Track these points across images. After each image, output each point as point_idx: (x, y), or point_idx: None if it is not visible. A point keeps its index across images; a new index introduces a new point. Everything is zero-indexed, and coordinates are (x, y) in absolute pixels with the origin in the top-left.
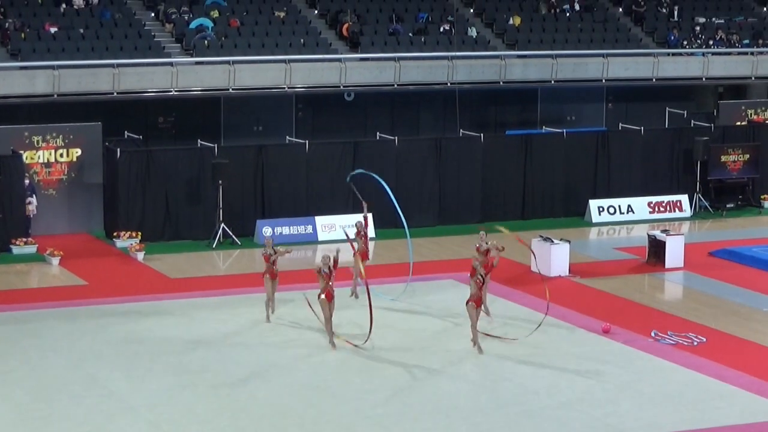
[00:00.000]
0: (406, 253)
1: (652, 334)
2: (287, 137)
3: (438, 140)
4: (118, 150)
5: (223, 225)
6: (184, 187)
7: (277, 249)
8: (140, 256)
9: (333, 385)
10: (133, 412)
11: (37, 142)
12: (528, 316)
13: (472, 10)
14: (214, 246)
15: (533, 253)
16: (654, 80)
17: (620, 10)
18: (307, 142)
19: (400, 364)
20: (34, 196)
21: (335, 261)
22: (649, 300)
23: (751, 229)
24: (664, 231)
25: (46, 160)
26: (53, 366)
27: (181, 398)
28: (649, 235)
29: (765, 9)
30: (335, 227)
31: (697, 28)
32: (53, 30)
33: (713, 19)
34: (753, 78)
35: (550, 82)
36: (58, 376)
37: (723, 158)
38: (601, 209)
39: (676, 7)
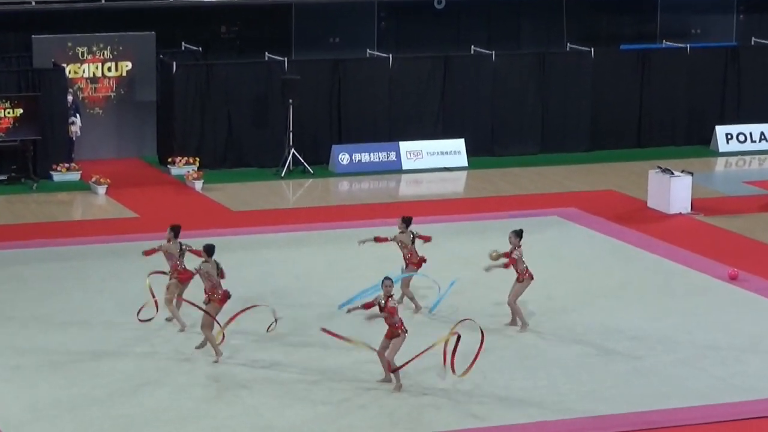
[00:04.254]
0: (503, 186)
1: None
2: (368, 50)
3: (541, 55)
4: (174, 63)
5: (293, 150)
6: (250, 107)
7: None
8: (198, 185)
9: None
10: (189, 363)
11: (82, 53)
12: (642, 258)
13: None
14: (282, 174)
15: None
16: None
17: None
18: (390, 56)
19: (496, 314)
20: (77, 115)
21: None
22: None
23: None
24: None
25: (91, 75)
26: (99, 309)
27: (243, 348)
28: None
29: None
30: (422, 154)
31: None
32: None
33: None
34: None
35: None
36: (105, 320)
37: None
38: (729, 136)
39: None
